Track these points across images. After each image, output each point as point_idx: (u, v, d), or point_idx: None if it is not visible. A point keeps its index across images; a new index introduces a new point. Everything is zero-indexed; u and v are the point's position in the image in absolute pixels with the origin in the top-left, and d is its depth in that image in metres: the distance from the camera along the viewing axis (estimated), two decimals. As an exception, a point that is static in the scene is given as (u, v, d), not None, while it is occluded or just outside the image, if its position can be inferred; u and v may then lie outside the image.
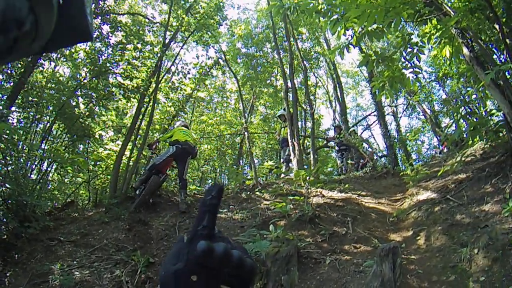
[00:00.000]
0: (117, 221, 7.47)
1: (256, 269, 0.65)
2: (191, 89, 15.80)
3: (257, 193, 9.24)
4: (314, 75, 22.41)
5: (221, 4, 12.92)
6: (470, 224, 5.62)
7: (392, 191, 9.86)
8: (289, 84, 12.69)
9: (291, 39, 13.91)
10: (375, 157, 15.42)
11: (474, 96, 7.60)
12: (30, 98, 9.18)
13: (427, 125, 22.42)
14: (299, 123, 16.22)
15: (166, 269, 0.65)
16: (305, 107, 18.79)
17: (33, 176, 8.51)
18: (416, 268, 5.30)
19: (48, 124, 9.66)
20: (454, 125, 7.30)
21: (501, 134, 6.85)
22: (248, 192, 9.40)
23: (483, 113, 7.09)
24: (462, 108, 7.29)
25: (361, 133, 17.09)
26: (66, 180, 11.45)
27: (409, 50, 6.85)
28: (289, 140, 11.50)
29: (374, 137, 18.00)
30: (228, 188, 11.06)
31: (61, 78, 11.19)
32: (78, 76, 10.86)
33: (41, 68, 10.07)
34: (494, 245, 4.72)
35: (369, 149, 15.75)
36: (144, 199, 8.19)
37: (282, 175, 12.36)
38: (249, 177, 13.50)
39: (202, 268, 0.61)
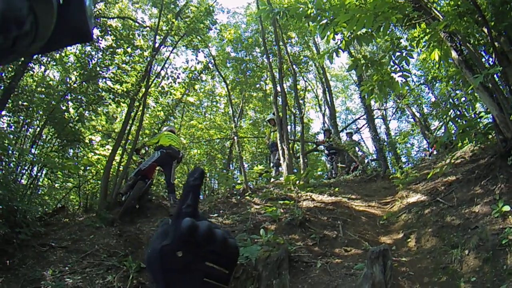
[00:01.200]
0: (108, 226, 7.43)
1: (238, 250, 0.68)
2: (180, 93, 15.76)
3: (247, 197, 9.23)
4: (304, 79, 22.45)
5: (211, 8, 12.94)
6: (461, 225, 5.66)
7: (382, 194, 9.91)
8: (279, 88, 12.73)
9: (281, 43, 13.93)
10: (366, 160, 15.48)
11: (463, 99, 7.67)
12: (20, 102, 9.09)
13: (417, 128, 22.52)
14: (289, 127, 16.28)
15: (152, 247, 0.66)
16: (294, 111, 18.82)
17: (23, 181, 8.44)
18: (407, 270, 5.33)
19: (38, 129, 9.58)
20: (443, 127, 7.36)
21: (490, 136, 6.91)
22: (238, 197, 9.39)
23: (472, 115, 7.15)
24: (451, 111, 7.33)
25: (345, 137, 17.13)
26: (56, 185, 11.36)
27: (398, 54, 6.90)
28: (279, 145, 11.52)
29: (363, 141, 18.01)
30: (218, 193, 11.05)
31: (51, 82, 11.12)
32: (68, 80, 10.77)
33: (31, 72, 10.01)
34: (484, 245, 4.76)
35: (360, 152, 15.81)
36: (130, 205, 8.18)
37: (272, 180, 12.36)
38: (239, 181, 13.49)
39: (187, 244, 0.63)
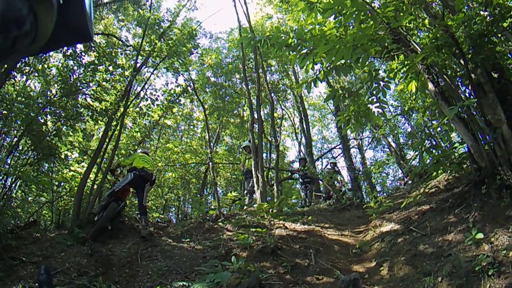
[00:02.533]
0: (79, 245, 7.28)
1: None
2: (158, 115, 15.72)
3: (220, 223, 9.17)
4: (281, 107, 22.63)
5: (194, 32, 13.04)
6: (434, 253, 5.72)
7: (356, 223, 9.96)
8: (256, 116, 12.76)
9: (260, 70, 14.06)
10: (343, 189, 15.56)
11: (438, 129, 7.83)
12: (-1, 110, 8.96)
13: (392, 157, 22.85)
14: (264, 154, 16.35)
15: None
16: (270, 139, 18.93)
17: (-4, 192, 8.27)
18: (380, 298, 5.35)
19: (15, 139, 9.43)
20: (418, 157, 7.50)
21: (464, 166, 7.06)
22: (211, 223, 9.31)
23: (447, 145, 7.30)
24: (427, 141, 7.49)
25: (326, 166, 17.24)
26: (29, 198, 11.13)
27: (375, 85, 7.05)
28: (253, 172, 11.52)
29: (339, 170, 18.12)
30: (191, 218, 10.95)
31: (31, 93, 10.97)
32: (48, 93, 10.65)
33: (12, 80, 9.88)
34: (457, 272, 4.82)
35: (337, 183, 15.90)
36: (102, 226, 8.05)
37: (246, 207, 12.32)
38: (212, 207, 13.40)
39: None
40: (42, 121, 9.79)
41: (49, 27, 0.56)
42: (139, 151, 10.37)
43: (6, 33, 0.47)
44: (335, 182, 15.37)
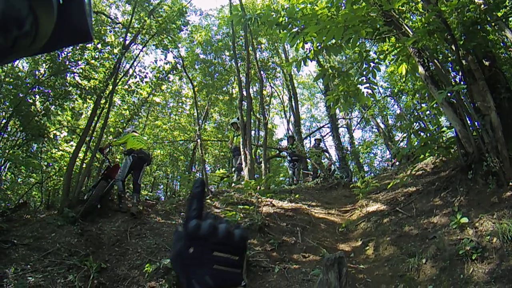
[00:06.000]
0: (70, 225, 7.29)
1: (246, 237, 0.80)
2: (147, 93, 15.58)
3: (208, 201, 9.19)
4: (271, 85, 22.53)
5: (184, 9, 12.86)
6: (419, 235, 5.83)
7: (343, 202, 10.07)
8: (244, 93, 12.72)
9: (250, 48, 13.95)
10: (332, 167, 15.62)
11: (427, 112, 7.88)
12: (-13, 92, 8.84)
13: (380, 138, 22.93)
14: (252, 132, 16.31)
15: (173, 250, 0.78)
16: (259, 117, 18.89)
17: (-14, 174, 8.22)
18: (365, 277, 5.46)
19: (4, 121, 9.35)
20: (406, 139, 7.56)
21: (452, 150, 7.13)
22: (199, 200, 9.33)
23: (436, 129, 7.35)
24: (415, 123, 7.55)
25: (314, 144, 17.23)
26: (19, 180, 11.07)
27: (365, 66, 7.05)
28: (241, 149, 11.53)
29: (326, 147, 18.16)
30: (180, 195, 10.97)
31: (20, 74, 10.82)
32: (36, 73, 10.50)
33: (1, 62, 9.63)
34: (442, 255, 4.92)
35: (327, 160, 15.95)
36: (91, 204, 8.05)
37: (233, 184, 12.36)
38: (200, 184, 13.34)
39: (195, 240, 0.74)
40: (31, 101, 9.70)
41: (49, 27, 0.56)
42: (128, 129, 10.28)
43: (6, 33, 0.47)
44: (324, 160, 15.43)
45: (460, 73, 6.57)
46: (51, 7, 0.54)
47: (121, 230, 7.48)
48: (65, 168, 9.85)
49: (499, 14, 6.23)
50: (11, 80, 9.43)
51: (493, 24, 6.42)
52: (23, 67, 12.32)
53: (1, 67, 9.99)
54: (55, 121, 11.25)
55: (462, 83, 6.45)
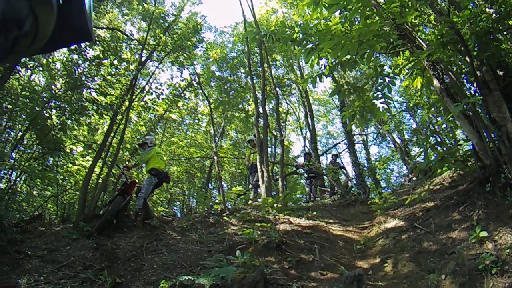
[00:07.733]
0: (85, 238, 7.32)
1: None
2: (163, 109, 15.72)
3: (225, 218, 9.16)
4: (286, 101, 22.60)
5: (199, 26, 13.00)
6: (437, 251, 5.70)
7: (360, 219, 9.94)
8: (261, 110, 12.74)
9: (265, 65, 14.03)
10: (349, 184, 15.52)
11: (443, 126, 7.78)
12: (4, 105, 8.98)
13: (397, 153, 22.77)
14: (269, 149, 16.32)
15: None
16: (275, 134, 18.89)
17: (2, 185, 8.31)
18: (384, 295, 5.34)
19: (20, 133, 9.50)
20: (423, 154, 7.48)
21: (469, 163, 7.01)
22: (216, 217, 9.32)
23: (452, 142, 7.25)
24: (431, 137, 7.45)
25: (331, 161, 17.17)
26: (34, 192, 11.18)
27: (380, 81, 7.00)
28: (258, 166, 11.51)
29: (342, 164, 18.09)
30: (196, 212, 10.96)
31: (36, 88, 10.99)
32: (53, 87, 10.67)
33: (17, 75, 9.92)
34: (461, 270, 4.80)
35: (344, 177, 15.85)
36: (107, 220, 8.09)
37: (250, 201, 12.31)
38: (217, 201, 13.39)
39: None
40: (47, 115, 9.83)
41: (49, 27, 0.56)
42: (149, 137, 10.16)
43: (6, 33, 0.47)
44: (341, 176, 15.33)
45: (475, 85, 6.48)
46: (51, 7, 0.54)
47: (136, 246, 7.48)
48: (81, 182, 9.95)
49: (511, 22, 6.17)
50: (28, 93, 9.58)
51: (505, 33, 6.36)
52: (39, 81, 12.58)
53: (18, 81, 10.20)
54: (71, 135, 11.41)
55: (477, 94, 6.37)
